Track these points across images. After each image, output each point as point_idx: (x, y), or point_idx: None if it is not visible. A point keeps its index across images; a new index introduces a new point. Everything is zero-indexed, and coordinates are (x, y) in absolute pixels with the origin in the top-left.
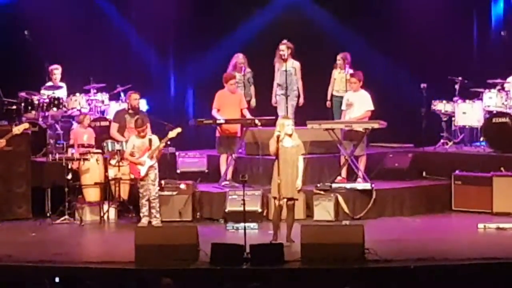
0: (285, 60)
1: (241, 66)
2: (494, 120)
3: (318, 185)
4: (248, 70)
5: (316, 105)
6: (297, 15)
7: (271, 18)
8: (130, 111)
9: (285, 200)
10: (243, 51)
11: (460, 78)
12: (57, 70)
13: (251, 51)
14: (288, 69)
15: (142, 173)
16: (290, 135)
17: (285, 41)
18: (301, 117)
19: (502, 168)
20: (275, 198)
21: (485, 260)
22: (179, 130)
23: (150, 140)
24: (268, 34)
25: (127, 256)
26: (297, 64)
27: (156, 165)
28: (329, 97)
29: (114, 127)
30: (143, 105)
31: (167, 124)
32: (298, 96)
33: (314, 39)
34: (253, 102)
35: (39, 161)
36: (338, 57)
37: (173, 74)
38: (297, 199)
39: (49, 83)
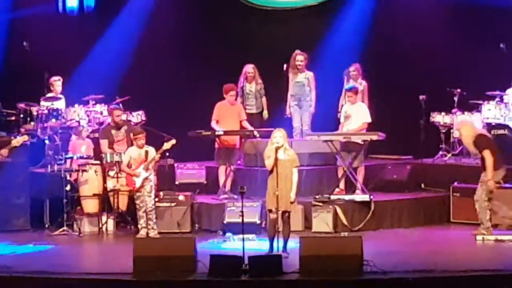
0: (300, 71)
1: (251, 77)
2: (493, 132)
3: (317, 196)
4: (259, 81)
5: (328, 116)
6: (298, 26)
7: (282, 29)
8: (114, 125)
9: (280, 212)
10: (255, 62)
11: (459, 90)
12: (58, 81)
13: (263, 62)
14: (301, 80)
15: (137, 185)
16: (279, 147)
17: (298, 51)
18: (314, 128)
19: (500, 180)
20: (270, 210)
21: (484, 272)
22: (173, 141)
23: (146, 152)
24: (279, 46)
25: (125, 267)
26: (310, 75)
27: (152, 176)
28: (340, 109)
29: (104, 144)
30: (140, 117)
31: (164, 135)
32: (311, 106)
33: (318, 51)
34: (265, 114)
35: (38, 172)
36: (352, 68)
37: (173, 85)
38: (290, 211)
39: (49, 94)
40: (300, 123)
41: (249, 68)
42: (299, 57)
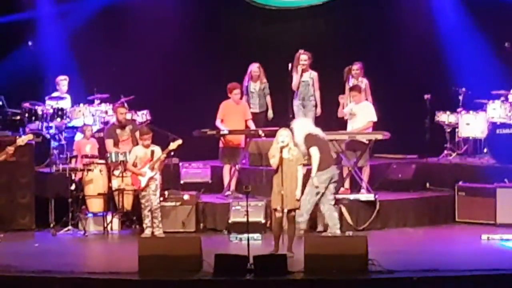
0: (304, 70)
1: (256, 76)
2: (497, 131)
3: None
4: (264, 80)
5: (333, 116)
6: (302, 25)
7: (285, 28)
8: (118, 124)
9: (286, 211)
10: (259, 61)
11: (463, 89)
12: (64, 81)
13: (267, 61)
14: (306, 79)
15: (143, 184)
16: (284, 147)
17: (302, 50)
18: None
19: (505, 180)
20: (275, 209)
21: (489, 272)
22: (179, 142)
23: (152, 152)
24: (284, 45)
25: (130, 267)
26: (314, 75)
27: (157, 176)
28: (343, 108)
29: (109, 144)
30: (145, 116)
31: (170, 135)
32: (316, 106)
33: (322, 50)
34: (270, 114)
35: (43, 171)
36: (355, 67)
37: (177, 84)
38: (296, 210)
39: (55, 93)
40: None
41: (254, 67)
42: (303, 57)
